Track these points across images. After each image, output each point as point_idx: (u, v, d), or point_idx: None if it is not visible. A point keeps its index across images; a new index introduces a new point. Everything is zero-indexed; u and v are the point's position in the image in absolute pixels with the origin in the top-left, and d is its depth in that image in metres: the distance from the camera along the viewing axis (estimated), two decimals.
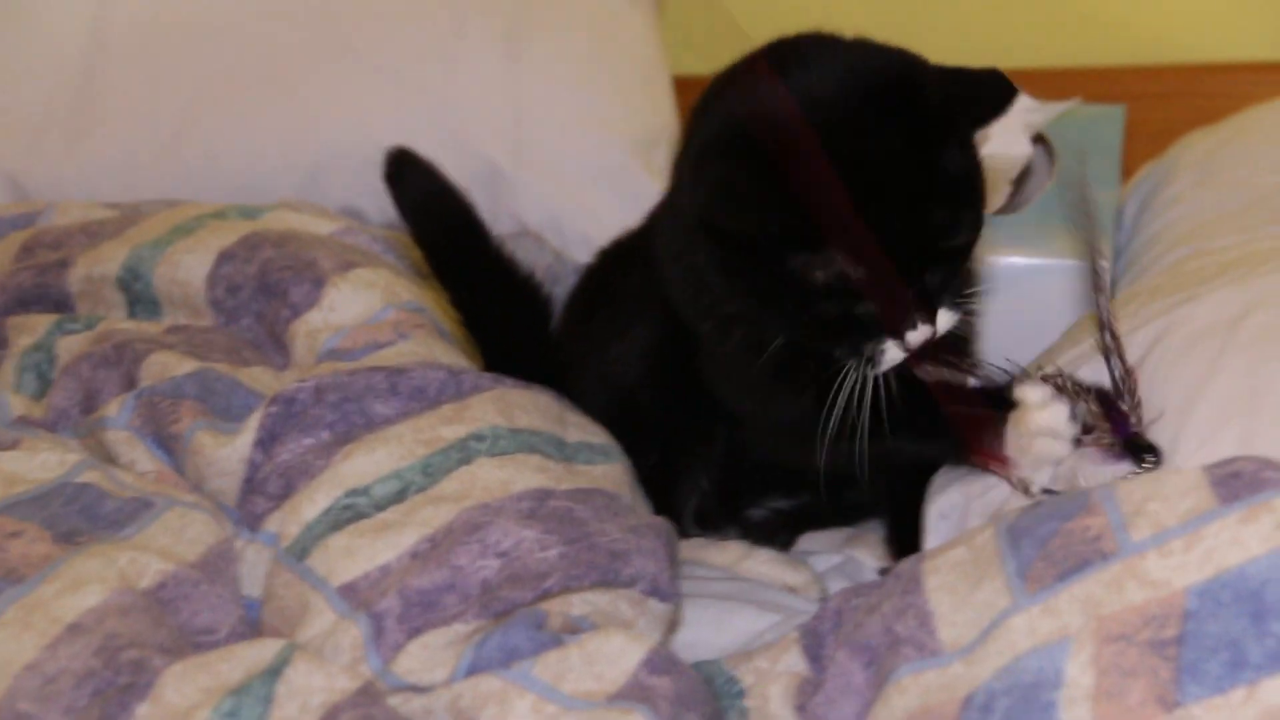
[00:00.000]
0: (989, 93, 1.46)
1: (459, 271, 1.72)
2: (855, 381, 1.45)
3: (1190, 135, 2.28)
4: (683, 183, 1.53)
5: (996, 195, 2.01)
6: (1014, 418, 1.44)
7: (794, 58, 1.47)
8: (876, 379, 1.47)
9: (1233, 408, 1.32)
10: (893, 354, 1.44)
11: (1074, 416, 1.42)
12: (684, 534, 1.73)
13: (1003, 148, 2.05)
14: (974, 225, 1.47)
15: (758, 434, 1.68)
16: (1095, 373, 1.48)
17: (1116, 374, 1.44)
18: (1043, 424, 1.42)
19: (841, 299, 1.41)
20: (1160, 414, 1.39)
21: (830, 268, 1.39)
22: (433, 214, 1.70)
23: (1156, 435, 1.37)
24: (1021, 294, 1.90)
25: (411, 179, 1.68)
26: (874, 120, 1.41)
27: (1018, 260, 1.93)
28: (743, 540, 1.76)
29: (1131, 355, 1.45)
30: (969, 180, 1.46)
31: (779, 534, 1.82)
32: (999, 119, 1.49)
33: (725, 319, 1.52)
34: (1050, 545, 1.18)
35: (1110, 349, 1.45)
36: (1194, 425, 1.34)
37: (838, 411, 1.46)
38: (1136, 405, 1.41)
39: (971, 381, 1.53)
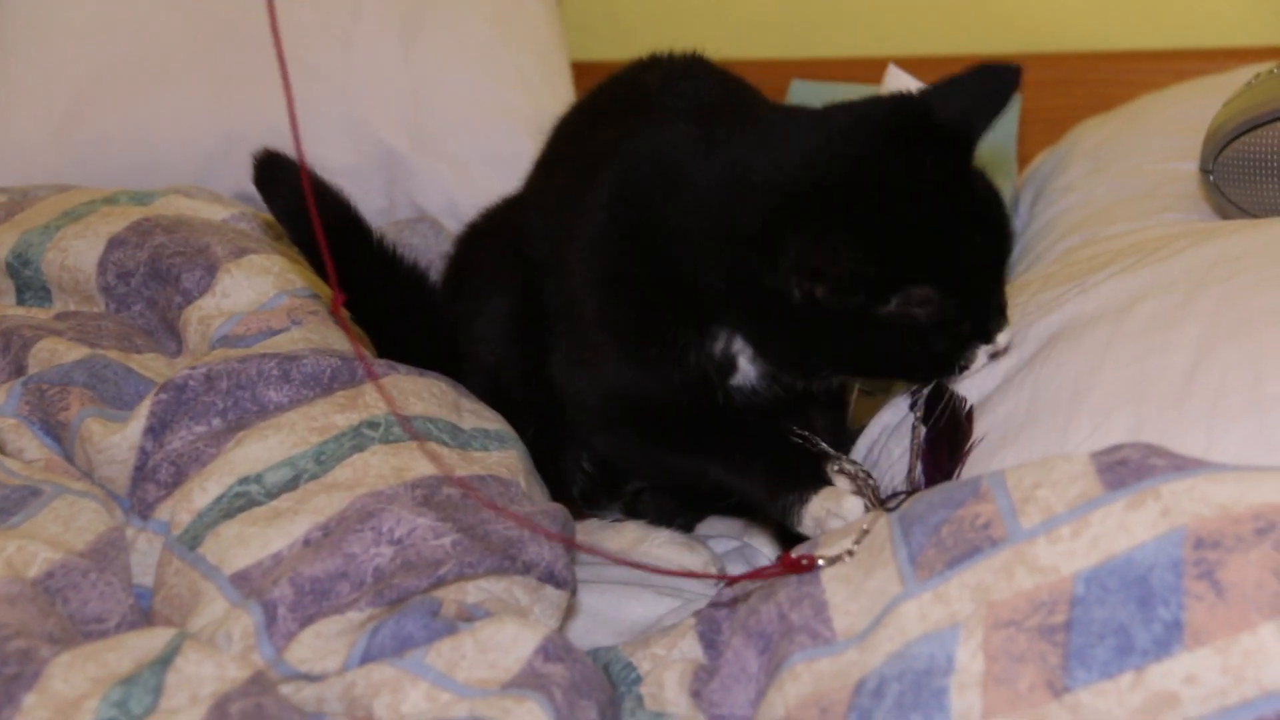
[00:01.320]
0: (990, 89, 1.47)
1: (341, 270, 1.69)
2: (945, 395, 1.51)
3: (1084, 123, 2.31)
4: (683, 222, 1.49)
5: None
6: (827, 492, 1.47)
7: (778, 121, 1.49)
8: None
9: (1122, 395, 1.33)
10: (979, 359, 1.47)
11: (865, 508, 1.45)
12: (579, 515, 1.73)
13: None
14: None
15: None
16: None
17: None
18: (845, 509, 1.44)
19: (939, 327, 1.42)
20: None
21: (927, 305, 1.40)
22: (308, 216, 1.66)
23: (1048, 422, 1.38)
24: None
25: (283, 181, 1.65)
26: (908, 159, 1.41)
27: None
28: (639, 522, 1.77)
29: (1024, 348, 1.47)
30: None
31: (679, 517, 1.82)
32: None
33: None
34: (941, 532, 1.19)
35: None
36: (1084, 413, 1.35)
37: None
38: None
39: None
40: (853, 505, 1.43)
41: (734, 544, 1.77)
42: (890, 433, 1.58)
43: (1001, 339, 1.46)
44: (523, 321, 1.68)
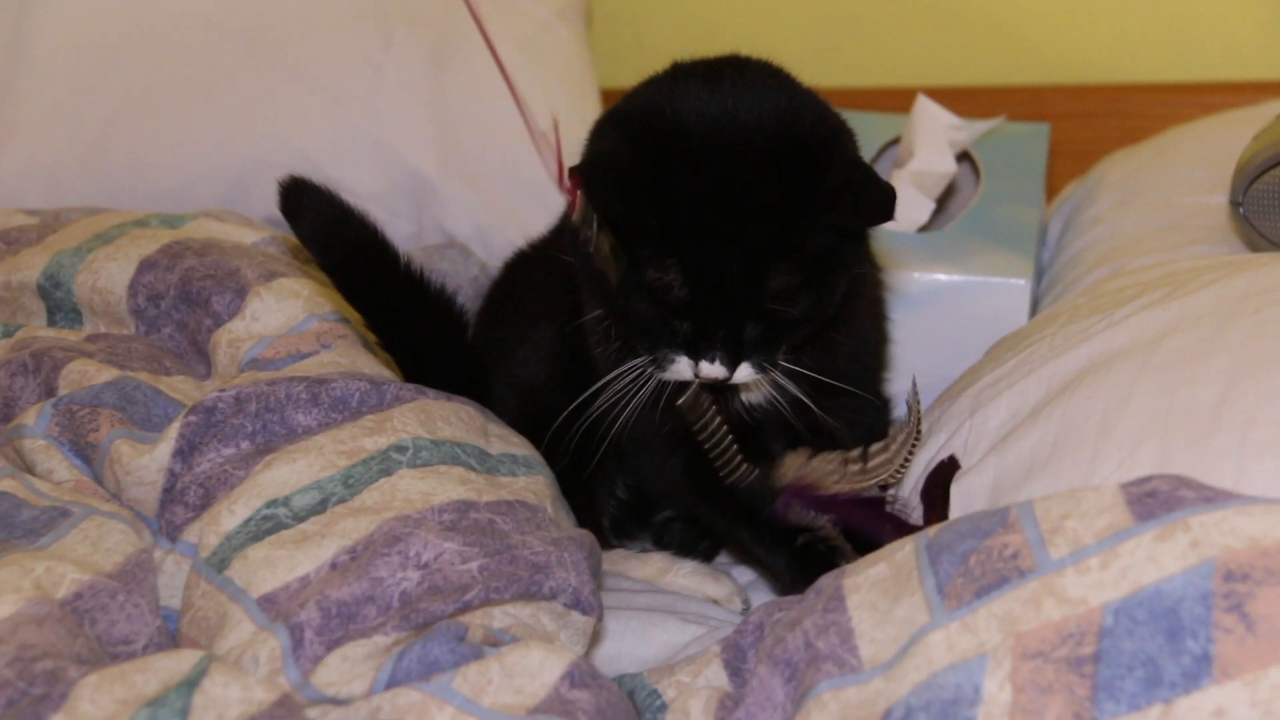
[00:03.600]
0: (878, 206, 1.45)
1: (369, 295, 1.70)
2: (641, 379, 1.51)
3: (1113, 155, 2.30)
4: None
5: (921, 212, 2.02)
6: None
7: (713, 76, 1.49)
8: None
9: (1150, 428, 1.33)
10: (681, 369, 1.48)
11: None
12: (606, 545, 1.73)
13: (928, 165, 2.06)
14: (815, 308, 1.49)
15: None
16: (1010, 401, 1.51)
17: None
18: None
19: (662, 304, 1.45)
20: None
21: (665, 273, 1.43)
22: (335, 241, 1.66)
23: (1075, 455, 1.38)
24: (945, 310, 1.91)
25: (309, 208, 1.65)
26: (761, 166, 1.44)
27: (941, 277, 1.94)
28: (664, 551, 1.77)
29: (1052, 381, 1.47)
30: (828, 266, 1.48)
31: (701, 544, 1.82)
32: (871, 227, 1.52)
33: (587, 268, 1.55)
34: (969, 562, 1.19)
35: None
36: (1112, 445, 1.35)
37: (619, 401, 1.53)
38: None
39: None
40: None
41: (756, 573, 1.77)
42: None
43: (705, 369, 1.47)
44: (569, 347, 1.69)
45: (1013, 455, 1.45)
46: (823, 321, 1.52)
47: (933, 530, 1.26)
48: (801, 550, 1.61)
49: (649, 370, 1.50)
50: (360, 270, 1.68)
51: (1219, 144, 2.03)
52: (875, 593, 1.24)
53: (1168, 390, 1.36)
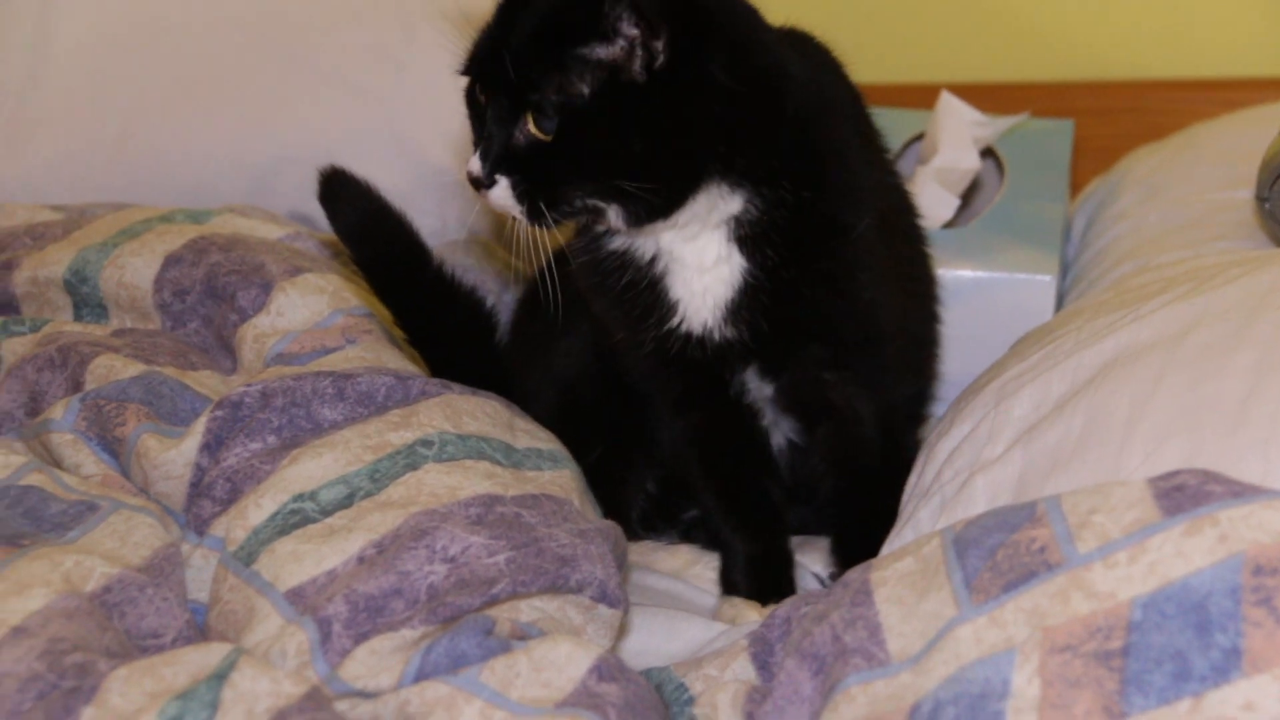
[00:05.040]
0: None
1: (400, 291, 1.71)
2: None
3: (1136, 151, 2.30)
4: None
5: (946, 208, 2.02)
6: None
7: None
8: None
9: (1176, 423, 1.33)
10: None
11: None
12: (632, 537, 1.73)
13: (952, 161, 2.06)
14: (568, 112, 1.46)
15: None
16: (1035, 392, 1.50)
17: None
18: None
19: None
20: None
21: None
22: (370, 235, 1.69)
23: (1101, 448, 1.38)
24: (970, 307, 1.92)
25: (347, 199, 1.67)
26: None
27: (967, 273, 1.94)
28: (692, 546, 1.77)
29: (1078, 373, 1.46)
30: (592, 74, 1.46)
31: None
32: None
33: None
34: (997, 556, 1.19)
35: None
36: (1138, 439, 1.35)
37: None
38: None
39: None
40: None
41: None
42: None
43: (470, 162, 1.49)
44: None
45: (1038, 447, 1.44)
46: (615, 164, 1.48)
47: (959, 524, 1.26)
48: (766, 556, 1.65)
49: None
50: (392, 265, 1.69)
51: (1242, 140, 2.03)
52: (903, 586, 1.24)
53: (1194, 384, 1.35)
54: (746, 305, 1.55)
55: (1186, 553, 1.11)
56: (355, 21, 2.39)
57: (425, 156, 2.30)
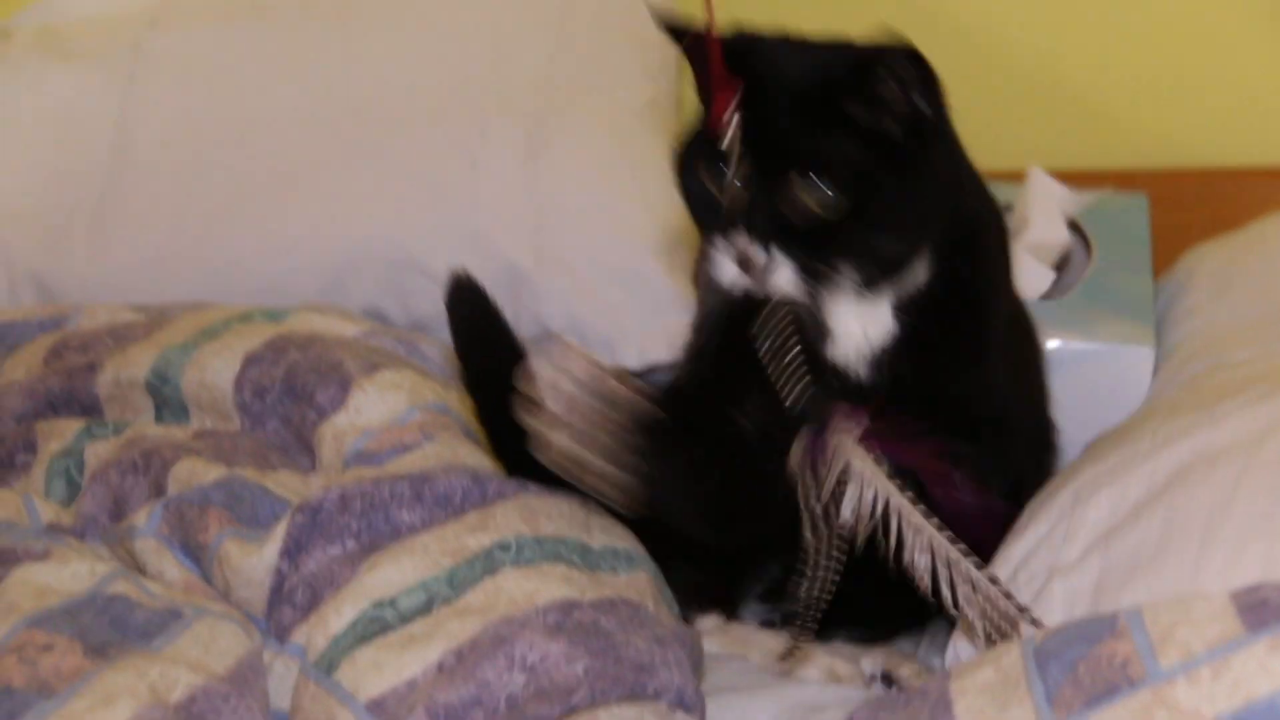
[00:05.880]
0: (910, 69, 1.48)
1: (495, 401, 1.72)
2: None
3: (1203, 246, 2.29)
4: None
5: (1043, 281, 2.04)
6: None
7: None
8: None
9: (1256, 529, 1.33)
10: (726, 264, 1.51)
11: None
12: (734, 615, 1.78)
13: (1044, 235, 2.09)
14: (851, 185, 1.47)
15: None
16: (1111, 496, 1.50)
17: None
18: None
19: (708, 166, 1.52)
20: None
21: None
22: (480, 343, 1.70)
23: (1180, 554, 1.38)
24: (1070, 377, 1.92)
25: (468, 307, 1.70)
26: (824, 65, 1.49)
27: (1068, 344, 1.98)
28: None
29: (1155, 477, 1.46)
30: (878, 146, 1.48)
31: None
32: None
33: None
34: (1078, 670, 1.19)
35: None
36: (1218, 545, 1.34)
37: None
38: None
39: None
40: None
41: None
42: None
43: (737, 241, 1.49)
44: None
45: (1116, 553, 1.44)
46: (887, 237, 1.51)
47: (1039, 635, 1.26)
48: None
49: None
50: (496, 376, 1.70)
51: None
52: (983, 698, 1.24)
53: (1274, 490, 1.35)
54: (888, 366, 1.58)
55: (1271, 669, 1.10)
56: (430, 119, 2.41)
57: (499, 252, 2.31)
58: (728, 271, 1.50)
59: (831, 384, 1.60)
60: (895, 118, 1.47)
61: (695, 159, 1.54)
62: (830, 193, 1.46)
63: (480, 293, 1.70)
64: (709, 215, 1.53)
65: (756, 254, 1.48)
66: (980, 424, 1.63)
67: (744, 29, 1.54)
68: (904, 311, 1.55)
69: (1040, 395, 1.82)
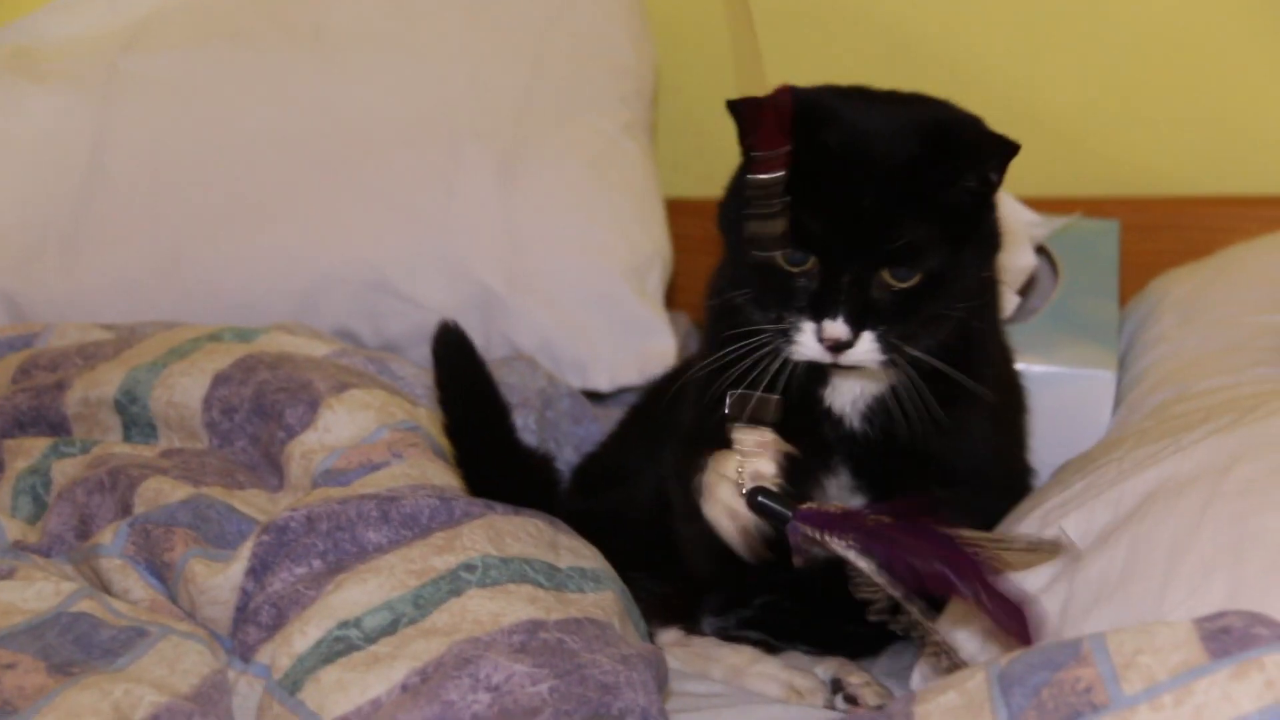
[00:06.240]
0: (997, 146, 1.52)
1: (473, 447, 1.73)
2: (769, 358, 1.53)
3: (1172, 273, 2.30)
4: None
5: (1007, 305, 2.05)
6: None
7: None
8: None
9: (1220, 558, 1.33)
10: (808, 342, 1.50)
11: None
12: (697, 629, 1.80)
13: (1011, 259, 2.10)
14: (934, 262, 1.50)
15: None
16: (1077, 522, 1.50)
17: None
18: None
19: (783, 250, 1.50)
20: None
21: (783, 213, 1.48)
22: (463, 393, 1.72)
23: (1145, 582, 1.38)
24: (1032, 401, 1.93)
25: (454, 355, 1.71)
26: (901, 136, 1.51)
27: (1029, 368, 1.99)
28: (759, 638, 1.78)
29: (1121, 504, 1.47)
30: (959, 223, 1.52)
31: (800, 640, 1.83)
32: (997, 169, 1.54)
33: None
34: (1042, 695, 1.19)
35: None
36: (1182, 574, 1.35)
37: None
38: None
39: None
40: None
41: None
42: None
43: (828, 328, 1.49)
44: None
45: (1081, 580, 1.44)
46: (951, 302, 1.54)
47: (1004, 660, 1.26)
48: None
49: (773, 346, 1.52)
50: (474, 425, 1.72)
51: None
52: None
53: (1238, 519, 1.35)
54: (883, 412, 1.61)
55: (1233, 697, 1.11)
56: (404, 144, 2.41)
57: (472, 274, 2.32)
58: (810, 350, 1.51)
59: (826, 432, 1.63)
60: (977, 197, 1.53)
61: (760, 227, 1.52)
62: (917, 272, 1.49)
63: (466, 343, 1.71)
64: (779, 295, 1.53)
65: (846, 335, 1.49)
66: (958, 474, 1.65)
67: (799, 89, 1.55)
68: (912, 365, 1.56)
69: (1021, 441, 1.84)
